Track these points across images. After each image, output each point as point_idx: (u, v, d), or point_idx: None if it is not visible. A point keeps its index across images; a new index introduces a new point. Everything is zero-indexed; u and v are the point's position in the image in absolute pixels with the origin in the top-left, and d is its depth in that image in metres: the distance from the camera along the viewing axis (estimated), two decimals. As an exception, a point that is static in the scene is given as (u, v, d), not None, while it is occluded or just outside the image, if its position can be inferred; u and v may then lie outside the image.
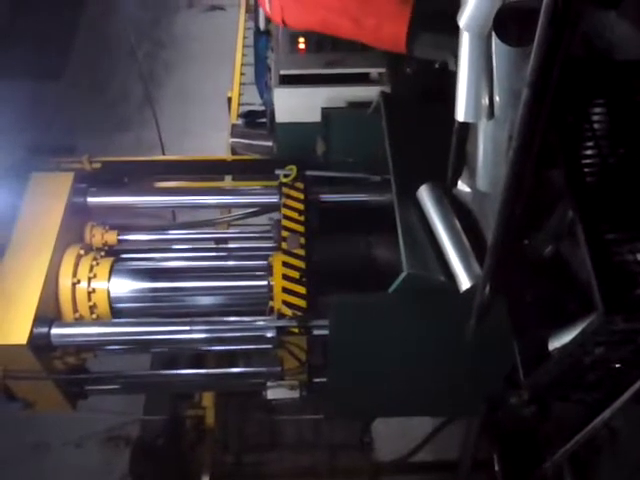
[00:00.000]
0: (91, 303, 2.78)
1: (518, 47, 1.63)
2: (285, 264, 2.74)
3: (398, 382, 2.79)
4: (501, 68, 1.75)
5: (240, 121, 3.69)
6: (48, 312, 2.66)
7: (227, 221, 3.54)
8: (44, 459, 4.38)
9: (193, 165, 3.30)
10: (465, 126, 2.17)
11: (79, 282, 2.77)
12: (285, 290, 2.67)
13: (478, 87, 1.88)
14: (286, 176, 2.97)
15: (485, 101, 1.90)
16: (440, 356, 2.64)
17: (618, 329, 1.77)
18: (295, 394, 2.85)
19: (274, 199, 3.01)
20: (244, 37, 5.33)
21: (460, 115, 1.99)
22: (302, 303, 2.64)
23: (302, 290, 2.67)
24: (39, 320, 2.56)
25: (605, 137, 2.05)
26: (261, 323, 2.65)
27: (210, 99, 5.93)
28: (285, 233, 2.83)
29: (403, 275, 2.37)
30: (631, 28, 2.32)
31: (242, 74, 5.00)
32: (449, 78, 2.03)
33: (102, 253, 2.95)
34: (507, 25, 1.62)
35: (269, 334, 2.60)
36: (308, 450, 4.45)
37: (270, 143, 3.37)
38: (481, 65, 1.81)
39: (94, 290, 2.78)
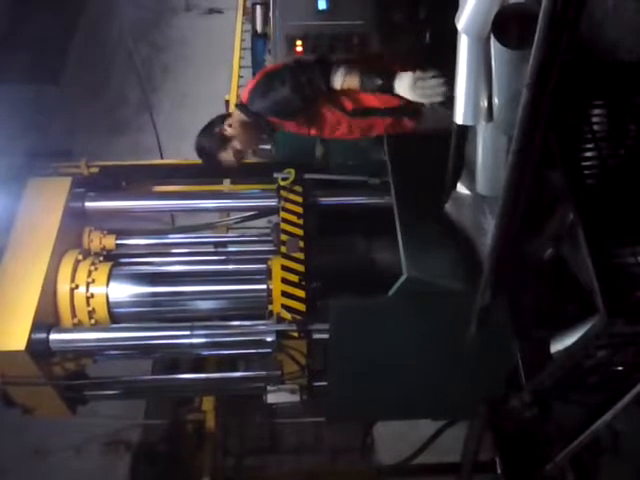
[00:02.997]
0: (90, 308, 2.76)
1: (517, 50, 1.63)
2: (284, 268, 2.73)
3: (399, 385, 2.78)
4: (500, 71, 1.75)
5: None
6: (46, 318, 2.64)
7: (226, 225, 3.53)
8: (44, 464, 4.38)
9: (191, 169, 3.29)
10: (464, 128, 2.17)
11: (77, 287, 2.75)
12: (284, 294, 2.66)
13: (477, 90, 1.87)
14: (285, 179, 2.96)
15: (484, 104, 1.89)
16: (441, 359, 2.63)
17: (620, 332, 1.77)
18: (295, 398, 2.84)
19: (273, 202, 2.99)
20: (242, 40, 5.33)
21: (459, 118, 1.99)
22: (301, 307, 2.63)
23: (301, 294, 2.66)
24: (37, 326, 2.54)
25: (605, 139, 2.04)
26: (260, 327, 2.63)
27: (208, 102, 5.92)
28: (284, 237, 2.82)
29: (403, 278, 2.36)
30: (630, 29, 2.32)
31: (240, 77, 5.00)
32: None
33: (100, 258, 2.94)
34: (506, 28, 1.62)
35: (269, 338, 2.59)
36: (309, 453, 4.45)
37: (268, 146, 3.36)
38: (480, 68, 1.81)
39: (93, 295, 2.76)
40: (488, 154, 2.13)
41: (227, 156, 2.77)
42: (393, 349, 2.61)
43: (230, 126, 2.73)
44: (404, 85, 2.39)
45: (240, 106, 2.75)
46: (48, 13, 7.08)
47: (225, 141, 2.74)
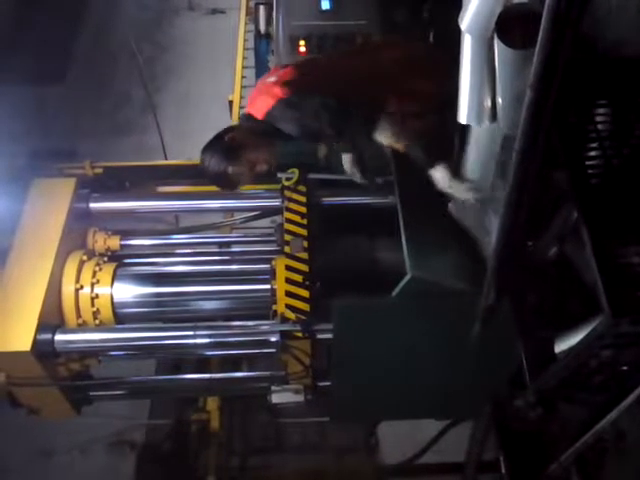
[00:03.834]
0: (94, 309, 2.77)
1: (521, 50, 1.63)
2: (288, 267, 2.73)
3: (403, 385, 2.78)
4: (503, 71, 1.74)
5: (241, 124, 3.68)
6: (51, 318, 2.65)
7: (230, 225, 3.53)
8: (49, 465, 4.39)
9: (195, 169, 3.28)
10: (467, 127, 2.16)
11: (82, 288, 2.76)
12: (288, 294, 2.67)
13: (481, 90, 1.87)
14: (288, 179, 2.96)
15: (487, 104, 1.89)
16: (445, 359, 2.63)
17: (625, 332, 1.76)
18: (300, 398, 2.84)
19: (276, 202, 3.00)
20: (245, 40, 5.32)
21: (462, 117, 1.99)
22: (305, 307, 2.63)
23: (305, 294, 2.66)
24: (42, 326, 2.55)
25: (609, 138, 2.04)
26: (264, 327, 2.64)
27: (211, 102, 5.93)
28: (288, 236, 2.82)
29: (407, 278, 2.36)
30: (634, 27, 2.31)
31: (243, 77, 5.00)
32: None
33: (105, 258, 2.95)
34: (510, 28, 1.62)
35: (273, 338, 2.59)
36: (313, 453, 4.45)
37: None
38: (483, 68, 1.80)
39: (97, 296, 2.78)
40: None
41: (239, 169, 2.48)
42: (397, 349, 2.61)
43: (241, 133, 2.52)
44: (439, 180, 2.39)
45: (250, 119, 2.55)
46: (52, 14, 7.10)
47: (236, 152, 2.47)
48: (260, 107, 2.49)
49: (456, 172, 2.37)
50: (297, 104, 2.42)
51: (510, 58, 1.69)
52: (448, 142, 2.35)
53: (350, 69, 2.58)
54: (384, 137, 2.42)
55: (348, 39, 3.56)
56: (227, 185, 2.58)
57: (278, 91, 2.45)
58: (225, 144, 2.49)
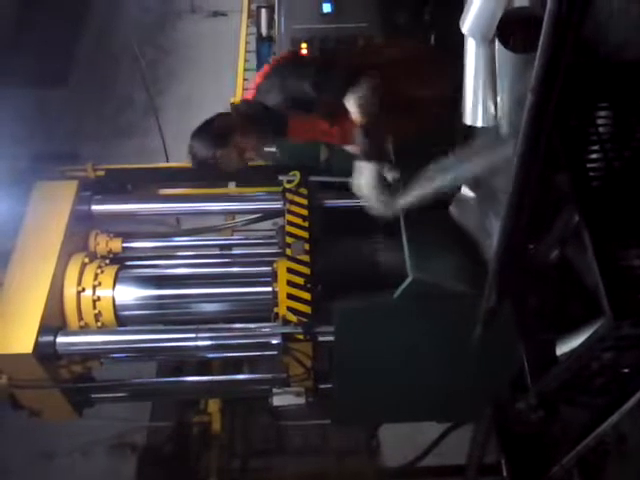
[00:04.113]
0: (96, 311, 2.77)
1: (522, 54, 1.63)
2: (290, 270, 2.74)
3: (404, 387, 2.78)
4: (505, 74, 1.75)
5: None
6: (53, 321, 2.65)
7: (231, 227, 3.54)
8: (50, 467, 4.40)
9: (197, 171, 3.30)
10: (471, 128, 2.17)
11: (84, 290, 2.77)
12: (290, 296, 2.67)
13: (484, 92, 1.88)
14: (290, 182, 2.97)
15: (491, 105, 1.90)
16: (446, 361, 2.63)
17: (626, 334, 1.76)
18: (301, 400, 2.84)
19: (278, 205, 3.00)
20: (246, 43, 5.34)
21: (468, 119, 1.99)
22: (307, 309, 2.63)
23: (307, 296, 2.66)
24: (44, 329, 2.55)
25: (610, 141, 2.04)
26: (266, 330, 2.64)
27: (213, 105, 5.92)
28: (289, 239, 2.83)
29: (409, 280, 2.36)
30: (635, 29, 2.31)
31: (245, 80, 5.01)
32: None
33: (107, 261, 2.95)
34: (510, 31, 1.62)
35: (274, 341, 2.60)
36: (314, 455, 4.45)
37: (274, 149, 3.37)
38: (486, 70, 1.81)
39: (99, 298, 2.78)
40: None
41: (228, 155, 2.47)
42: (398, 351, 2.61)
43: (230, 119, 2.52)
44: (362, 180, 2.48)
45: (243, 103, 2.61)
46: (54, 16, 7.12)
47: (225, 138, 2.45)
48: (252, 88, 2.55)
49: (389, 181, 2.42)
50: (284, 70, 2.47)
51: (511, 61, 1.70)
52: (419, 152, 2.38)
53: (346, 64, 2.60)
54: (351, 102, 2.39)
55: (349, 42, 3.57)
56: (214, 172, 2.57)
57: (267, 67, 2.54)
58: (214, 130, 2.48)
